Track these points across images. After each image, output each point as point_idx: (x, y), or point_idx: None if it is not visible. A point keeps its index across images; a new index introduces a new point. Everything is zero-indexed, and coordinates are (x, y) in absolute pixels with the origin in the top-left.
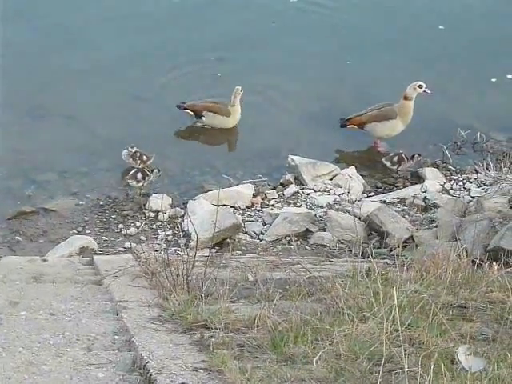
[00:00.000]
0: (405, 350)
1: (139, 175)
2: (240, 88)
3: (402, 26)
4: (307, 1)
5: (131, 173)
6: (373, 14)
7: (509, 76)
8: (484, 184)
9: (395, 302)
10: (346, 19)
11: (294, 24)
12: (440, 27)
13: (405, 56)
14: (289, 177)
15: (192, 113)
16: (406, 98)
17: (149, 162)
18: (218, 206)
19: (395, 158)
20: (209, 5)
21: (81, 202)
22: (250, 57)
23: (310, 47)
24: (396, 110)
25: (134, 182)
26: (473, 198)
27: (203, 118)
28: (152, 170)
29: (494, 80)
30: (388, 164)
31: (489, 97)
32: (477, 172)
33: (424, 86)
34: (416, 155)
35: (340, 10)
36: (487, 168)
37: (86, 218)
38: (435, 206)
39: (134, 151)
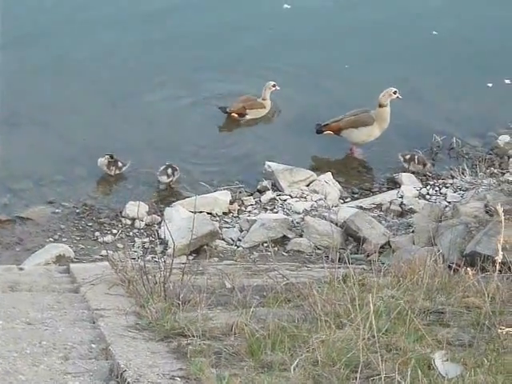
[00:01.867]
0: (382, 356)
1: (169, 170)
2: (272, 83)
3: (394, 33)
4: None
5: (162, 168)
6: (362, 19)
7: (507, 81)
8: (460, 189)
9: (371, 308)
10: (330, 23)
11: (275, 31)
12: (434, 32)
13: (394, 62)
14: (265, 183)
15: (237, 115)
16: (380, 106)
17: (124, 169)
18: (195, 212)
19: (408, 156)
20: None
21: (57, 210)
22: (225, 62)
23: (288, 54)
24: (373, 115)
25: (165, 178)
26: (449, 203)
27: (247, 116)
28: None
29: (490, 85)
30: (401, 159)
31: (474, 102)
32: (453, 177)
33: (397, 91)
34: (429, 164)
35: (324, 14)
36: (463, 173)
37: (63, 226)
38: (411, 211)
39: (109, 159)
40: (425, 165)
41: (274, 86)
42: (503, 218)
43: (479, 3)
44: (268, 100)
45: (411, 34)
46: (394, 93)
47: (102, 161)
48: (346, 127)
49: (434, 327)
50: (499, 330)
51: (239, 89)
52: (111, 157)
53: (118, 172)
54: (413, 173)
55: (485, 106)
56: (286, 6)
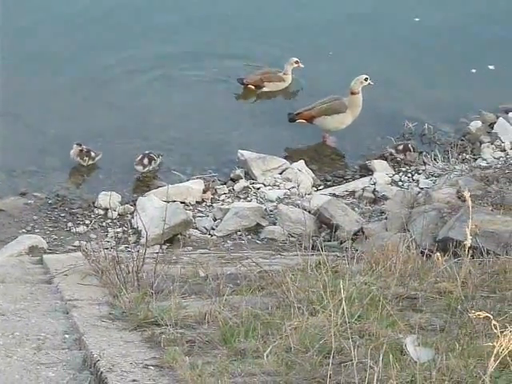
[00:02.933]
0: (354, 342)
1: (145, 160)
2: (295, 59)
3: (375, 20)
4: None
5: (138, 158)
6: (341, 5)
7: (490, 67)
8: (432, 175)
9: (343, 294)
10: (306, 11)
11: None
12: (416, 19)
13: (375, 49)
14: (239, 172)
15: (254, 87)
16: (352, 93)
17: (97, 159)
18: (168, 202)
19: (400, 147)
20: None
21: (29, 201)
22: (198, 51)
23: (259, 44)
24: (346, 103)
25: (141, 168)
26: (421, 189)
27: (264, 88)
28: (158, 155)
29: (473, 71)
30: (393, 151)
31: (452, 88)
32: (425, 163)
33: (368, 78)
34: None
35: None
36: (435, 159)
37: (35, 217)
38: (384, 198)
39: (81, 149)
40: (420, 152)
41: (296, 62)
42: (470, 203)
43: None
44: (289, 75)
45: (393, 21)
46: (365, 79)
47: (73, 151)
48: (319, 115)
49: (406, 313)
50: (471, 315)
51: (213, 78)
52: (79, 145)
53: (91, 162)
54: (405, 163)
55: (462, 92)
56: None
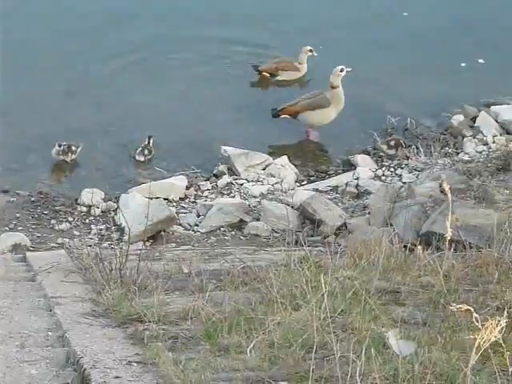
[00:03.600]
0: (337, 336)
1: (146, 151)
2: (309, 47)
3: (364, 15)
4: None
5: (138, 150)
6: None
7: (480, 60)
8: (415, 169)
9: (325, 289)
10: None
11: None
12: (404, 14)
13: (363, 45)
14: (222, 168)
15: (269, 75)
16: (333, 87)
17: (78, 151)
18: (151, 198)
19: (392, 143)
20: None
21: (12, 199)
22: (180, 48)
23: (240, 38)
24: (329, 97)
25: (142, 158)
26: (404, 183)
27: (278, 76)
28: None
29: (463, 65)
30: (385, 148)
31: (436, 82)
32: (408, 158)
33: (344, 68)
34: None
35: None
36: (418, 154)
37: (18, 215)
38: (367, 192)
39: (61, 148)
40: (410, 146)
41: (310, 50)
42: (451, 196)
43: None
44: (304, 64)
45: (381, 16)
46: (341, 70)
47: (55, 151)
48: (303, 110)
49: (389, 306)
50: (454, 308)
51: (195, 74)
52: (60, 145)
53: (74, 157)
54: (398, 158)
55: (445, 86)
56: None
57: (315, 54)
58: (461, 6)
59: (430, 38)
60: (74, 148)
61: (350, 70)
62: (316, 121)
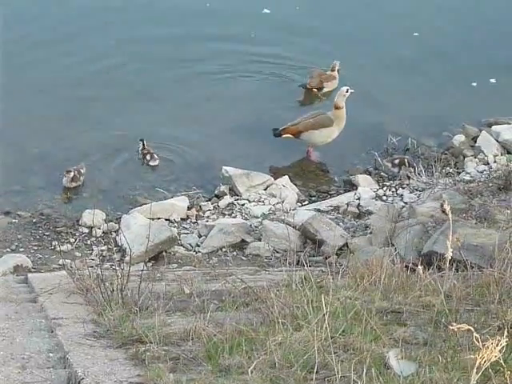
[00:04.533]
0: (338, 357)
1: (148, 156)
2: (338, 62)
3: (375, 33)
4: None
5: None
6: (339, 18)
7: (492, 80)
8: (416, 189)
9: (326, 309)
10: (303, 22)
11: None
12: (415, 34)
13: (373, 65)
14: (223, 188)
15: (316, 90)
16: (337, 108)
17: (83, 171)
18: (152, 219)
19: (396, 161)
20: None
21: (14, 220)
22: (180, 68)
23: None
24: (331, 117)
25: (151, 162)
26: (405, 203)
27: (324, 88)
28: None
29: (474, 84)
30: (389, 166)
31: (441, 102)
32: (409, 178)
33: (349, 88)
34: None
35: (293, 13)
36: (419, 173)
37: (20, 236)
38: (369, 212)
39: (72, 175)
40: (414, 166)
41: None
42: (452, 216)
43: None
44: (336, 72)
45: (391, 36)
46: (347, 91)
47: (65, 180)
48: (306, 129)
49: (391, 327)
50: (454, 328)
51: (196, 95)
52: (69, 171)
53: (82, 178)
54: (399, 178)
55: (445, 106)
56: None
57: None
58: (473, 26)
59: (440, 58)
60: (82, 171)
61: (353, 91)
62: (319, 140)
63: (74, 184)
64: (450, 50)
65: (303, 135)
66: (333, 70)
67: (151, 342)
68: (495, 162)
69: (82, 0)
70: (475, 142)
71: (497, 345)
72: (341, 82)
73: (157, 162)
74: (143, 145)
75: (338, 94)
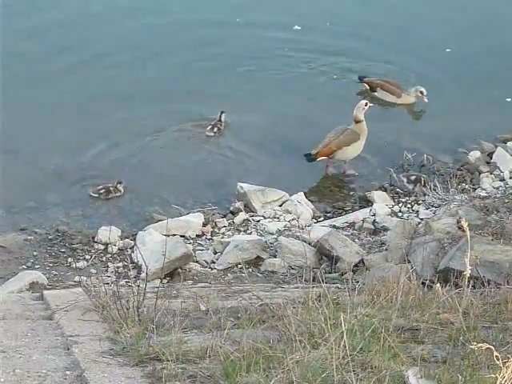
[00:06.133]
0: (357, 375)
1: (215, 128)
2: (421, 89)
3: (406, 48)
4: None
5: (209, 127)
6: (369, 35)
7: (508, 99)
8: (432, 206)
9: (344, 327)
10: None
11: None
12: (447, 50)
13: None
14: (238, 204)
15: (368, 87)
16: (357, 121)
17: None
18: (168, 236)
19: (412, 177)
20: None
21: (29, 237)
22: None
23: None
24: (357, 131)
25: (211, 133)
26: (421, 219)
27: (376, 93)
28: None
29: (509, 100)
30: (405, 180)
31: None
32: (424, 194)
33: (368, 102)
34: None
35: (315, 33)
36: (435, 190)
37: (35, 253)
38: (384, 229)
39: (102, 193)
40: (429, 185)
41: (421, 92)
42: (469, 232)
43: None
44: (410, 97)
45: (423, 52)
46: (366, 105)
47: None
48: (340, 147)
49: (408, 344)
50: (473, 346)
51: (208, 111)
52: (99, 191)
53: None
54: (415, 194)
55: (461, 122)
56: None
57: (426, 100)
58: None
59: (469, 73)
60: (120, 187)
61: (372, 105)
62: (352, 155)
63: (111, 195)
64: (475, 66)
65: (337, 154)
66: (408, 94)
67: (168, 360)
68: (511, 177)
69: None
70: (491, 158)
71: None
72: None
73: (212, 134)
74: (220, 117)
75: (356, 106)
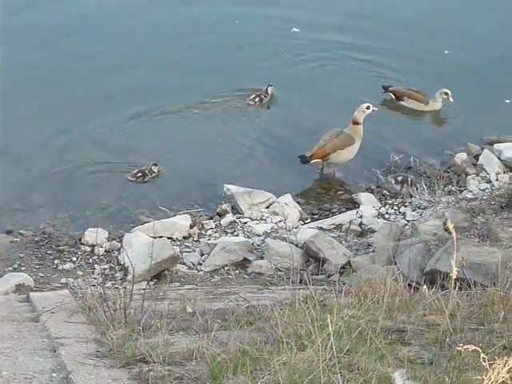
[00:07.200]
0: (343, 377)
1: (258, 98)
2: (446, 91)
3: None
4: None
5: (252, 96)
6: (372, 37)
7: (507, 101)
8: (419, 207)
9: (331, 328)
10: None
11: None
12: (446, 52)
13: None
14: (225, 206)
15: (394, 96)
16: (356, 123)
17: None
18: (155, 237)
19: (399, 178)
20: None
21: (15, 239)
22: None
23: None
24: (352, 134)
25: (252, 103)
26: (408, 221)
27: (403, 102)
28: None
29: (508, 101)
30: (392, 181)
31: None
32: (411, 196)
33: (371, 106)
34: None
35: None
36: (421, 191)
37: (22, 255)
38: (371, 230)
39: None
40: (416, 186)
41: (446, 93)
42: (456, 234)
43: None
44: (437, 102)
45: (421, 54)
46: (367, 108)
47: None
48: (334, 150)
49: (395, 346)
50: (459, 348)
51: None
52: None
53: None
54: (401, 196)
55: (449, 124)
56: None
57: (451, 100)
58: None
59: (468, 76)
60: (152, 168)
61: (376, 109)
62: (345, 158)
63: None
64: (465, 67)
65: (331, 156)
66: (436, 101)
67: (155, 362)
68: (497, 180)
69: None
70: (477, 160)
71: (504, 365)
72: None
73: (255, 102)
74: (266, 91)
75: (357, 109)
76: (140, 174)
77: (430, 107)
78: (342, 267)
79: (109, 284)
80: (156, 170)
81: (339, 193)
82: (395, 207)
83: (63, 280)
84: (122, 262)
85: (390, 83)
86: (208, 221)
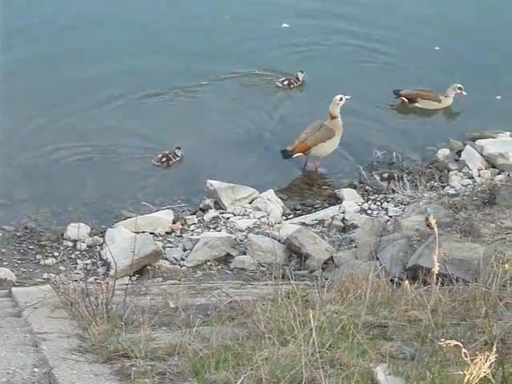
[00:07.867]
0: (325, 372)
1: (286, 82)
2: (459, 85)
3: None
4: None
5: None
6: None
7: (497, 97)
8: (401, 203)
9: (313, 324)
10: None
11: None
12: (436, 48)
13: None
14: (208, 201)
15: (407, 100)
16: (333, 117)
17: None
18: (137, 233)
19: (385, 175)
20: None
21: None
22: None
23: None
24: (332, 127)
25: (280, 84)
26: (390, 217)
27: (417, 103)
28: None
29: (499, 97)
30: (378, 178)
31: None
32: (393, 191)
33: (344, 96)
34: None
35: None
36: (404, 187)
37: (3, 250)
38: (354, 226)
39: (166, 158)
40: (402, 181)
41: (459, 88)
42: (438, 230)
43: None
44: (450, 98)
45: (413, 50)
46: (340, 99)
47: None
48: (315, 144)
49: (377, 341)
50: (441, 343)
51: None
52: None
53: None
54: (384, 192)
55: (430, 120)
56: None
57: (464, 93)
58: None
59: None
60: (176, 151)
61: (348, 97)
62: (327, 152)
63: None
64: (453, 63)
65: (313, 150)
66: (447, 96)
67: (137, 357)
68: (479, 175)
69: None
70: (459, 155)
71: (486, 360)
72: (329, 91)
73: (281, 85)
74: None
75: (332, 103)
76: (165, 159)
77: (444, 104)
78: (325, 262)
79: (91, 279)
80: (179, 154)
81: (322, 188)
82: (378, 203)
83: (45, 275)
84: (105, 257)
85: (389, 83)
86: (191, 216)
